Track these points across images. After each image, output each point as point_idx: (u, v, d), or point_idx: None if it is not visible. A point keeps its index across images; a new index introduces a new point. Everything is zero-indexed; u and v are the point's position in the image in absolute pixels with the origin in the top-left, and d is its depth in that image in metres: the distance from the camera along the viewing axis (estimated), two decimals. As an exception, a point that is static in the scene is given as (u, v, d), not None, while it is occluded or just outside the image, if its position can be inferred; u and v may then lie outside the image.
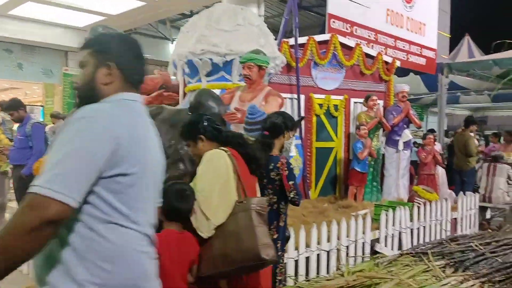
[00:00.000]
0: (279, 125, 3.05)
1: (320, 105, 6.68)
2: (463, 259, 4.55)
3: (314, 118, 6.65)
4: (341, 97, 6.86)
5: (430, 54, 9.81)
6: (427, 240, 5.49)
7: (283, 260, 3.20)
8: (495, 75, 9.44)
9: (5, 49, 10.36)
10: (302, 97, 6.51)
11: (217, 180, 1.99)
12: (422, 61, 9.58)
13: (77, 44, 10.32)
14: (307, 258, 4.03)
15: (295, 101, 6.37)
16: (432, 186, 6.59)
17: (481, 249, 4.94)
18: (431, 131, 8.89)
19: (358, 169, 6.11)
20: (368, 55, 7.08)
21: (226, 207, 1.95)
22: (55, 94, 11.12)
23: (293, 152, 4.88)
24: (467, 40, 14.30)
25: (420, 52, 9.50)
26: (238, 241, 1.88)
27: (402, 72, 10.41)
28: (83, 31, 10.64)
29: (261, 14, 6.48)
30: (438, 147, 8.25)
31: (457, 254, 4.70)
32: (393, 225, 4.97)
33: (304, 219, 5.07)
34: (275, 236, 2.93)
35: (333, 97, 6.78)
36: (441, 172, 6.95)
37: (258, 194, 2.39)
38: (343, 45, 6.83)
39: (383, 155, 6.88)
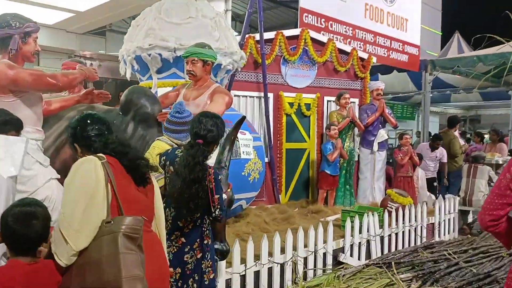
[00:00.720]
0: (216, 134, 2.65)
1: (291, 104, 6.31)
2: (433, 270, 4.19)
3: (284, 118, 6.28)
4: (313, 96, 6.49)
5: (413, 50, 9.45)
6: (400, 248, 5.12)
7: (217, 281, 2.81)
8: (480, 72, 9.07)
9: None
10: (271, 95, 6.15)
11: (82, 194, 1.59)
12: (404, 58, 9.22)
13: (47, 42, 9.94)
14: (257, 273, 3.65)
15: (263, 100, 6.01)
16: (409, 189, 6.23)
17: (454, 258, 4.59)
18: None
19: (328, 172, 5.74)
20: (342, 51, 6.71)
21: (90, 228, 1.57)
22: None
23: (252, 155, 4.50)
24: (457, 37, 13.94)
25: (402, 49, 9.14)
26: (99, 272, 1.50)
27: (386, 69, 10.10)
28: (53, 28, 10.26)
29: (228, 8, 6.09)
30: (423, 147, 7.91)
31: (428, 264, 4.34)
32: (360, 232, 4.60)
33: (265, 227, 4.69)
34: (199, 256, 2.55)
35: (304, 95, 6.41)
36: (420, 174, 6.59)
37: (158, 212, 2.00)
38: (315, 41, 6.45)
39: (359, 156, 6.51)
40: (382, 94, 6.39)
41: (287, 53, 6.15)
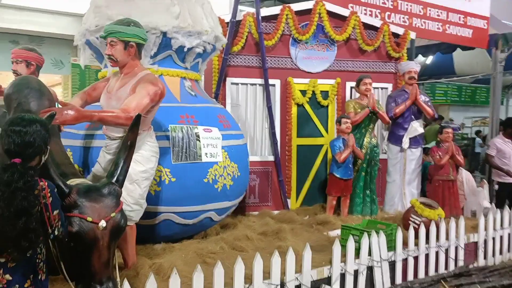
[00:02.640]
0: (37, 145, 1.88)
1: (303, 92, 5.32)
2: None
3: (295, 108, 5.31)
4: (332, 81, 5.43)
5: (480, 23, 7.84)
6: (422, 276, 4.00)
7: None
8: None
9: (12, 41, 10.02)
10: (277, 82, 5.22)
11: None
12: (467, 32, 7.66)
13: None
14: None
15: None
16: (450, 196, 4.99)
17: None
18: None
19: (338, 175, 4.70)
20: (369, 26, 5.54)
21: None
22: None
23: (219, 157, 3.64)
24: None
25: (464, 22, 7.59)
26: None
27: (448, 47, 8.57)
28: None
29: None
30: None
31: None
32: (358, 257, 3.57)
33: (241, 245, 3.82)
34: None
35: (320, 81, 5.38)
36: (465, 176, 5.27)
37: None
38: (333, 15, 5.38)
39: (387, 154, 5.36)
40: (416, 78, 5.14)
41: (296, 32, 5.16)
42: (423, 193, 5.41)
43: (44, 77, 11.47)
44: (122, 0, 3.66)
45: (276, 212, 5.14)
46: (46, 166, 2.01)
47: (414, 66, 5.14)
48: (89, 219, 2.08)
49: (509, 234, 4.80)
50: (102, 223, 2.11)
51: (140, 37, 2.95)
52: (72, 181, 2.25)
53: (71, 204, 2.08)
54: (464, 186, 5.21)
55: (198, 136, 3.57)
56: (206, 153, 3.59)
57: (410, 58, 9.18)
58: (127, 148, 2.35)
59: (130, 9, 3.61)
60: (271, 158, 5.22)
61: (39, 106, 2.54)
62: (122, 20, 2.97)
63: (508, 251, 4.82)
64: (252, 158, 5.17)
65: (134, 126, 2.35)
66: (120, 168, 2.31)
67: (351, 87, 5.50)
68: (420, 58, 10.53)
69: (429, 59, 13.14)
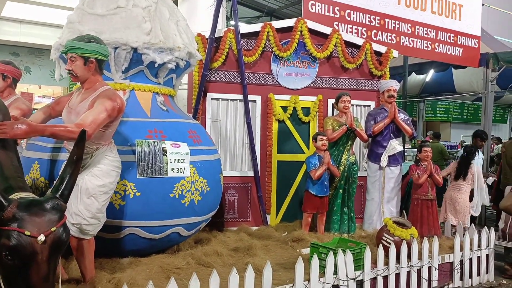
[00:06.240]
0: None
1: (284, 108, 5.34)
2: None
3: (276, 124, 5.34)
4: (313, 98, 5.45)
5: (471, 42, 7.85)
6: (391, 295, 3.96)
7: None
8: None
9: (12, 53, 10.26)
10: (258, 98, 5.26)
11: None
12: (457, 51, 7.67)
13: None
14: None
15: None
16: (429, 215, 4.94)
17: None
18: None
19: (313, 192, 4.68)
20: (351, 44, 5.57)
21: None
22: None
23: (186, 172, 3.66)
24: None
25: (455, 41, 7.60)
26: None
27: (441, 65, 8.60)
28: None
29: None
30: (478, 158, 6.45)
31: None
32: (323, 275, 3.55)
33: (208, 261, 3.82)
34: None
35: (302, 98, 5.41)
36: (476, 171, 5.33)
37: None
38: (315, 33, 5.42)
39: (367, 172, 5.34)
40: (395, 96, 5.14)
41: (277, 49, 5.20)
42: (407, 211, 5.37)
43: (44, 89, 11.66)
44: (94, 17, 3.73)
45: (255, 228, 5.13)
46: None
47: (394, 84, 5.15)
48: (27, 233, 2.09)
49: (486, 255, 4.74)
50: (41, 237, 2.12)
51: (100, 53, 3.00)
52: (16, 195, 2.27)
53: (9, 217, 2.10)
54: (474, 180, 5.22)
55: (165, 151, 3.59)
56: (172, 168, 3.61)
57: (403, 76, 9.24)
58: (74, 162, 2.36)
59: (102, 25, 3.69)
60: (250, 173, 5.23)
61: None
62: (83, 36, 3.03)
63: (486, 272, 4.76)
64: (231, 173, 5.20)
65: (80, 142, 2.37)
66: (65, 183, 2.32)
67: (333, 104, 5.51)
68: (414, 75, 10.55)
69: (429, 76, 13.15)
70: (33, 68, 10.47)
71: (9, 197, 2.20)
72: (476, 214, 5.65)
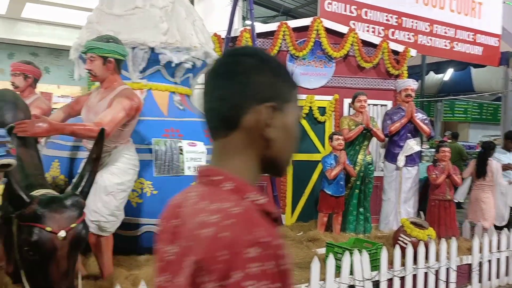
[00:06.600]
0: None
1: (300, 108, 5.32)
2: None
3: (291, 124, 5.31)
4: (329, 98, 5.43)
5: (491, 41, 7.73)
6: (408, 296, 3.92)
7: None
8: None
9: (32, 53, 10.43)
10: (273, 98, 5.24)
11: None
12: (476, 50, 7.57)
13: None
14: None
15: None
16: (446, 216, 4.89)
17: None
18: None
19: (329, 192, 4.66)
20: (368, 43, 5.53)
21: None
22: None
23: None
24: None
25: (474, 39, 7.50)
26: None
27: (459, 64, 8.50)
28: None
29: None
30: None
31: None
32: (338, 276, 3.53)
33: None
34: None
35: (318, 97, 5.39)
36: (495, 167, 5.21)
37: None
38: (332, 32, 5.40)
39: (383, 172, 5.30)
40: (413, 95, 5.09)
41: (293, 48, 5.19)
42: (425, 211, 5.31)
43: (63, 89, 11.83)
44: (112, 17, 3.78)
45: None
46: (9, 177, 2.09)
47: (411, 83, 5.10)
48: (48, 229, 2.13)
49: (506, 257, 4.66)
50: (62, 233, 2.16)
51: (118, 53, 3.04)
52: (37, 192, 2.32)
53: (31, 214, 2.15)
54: (494, 176, 5.16)
55: (181, 150, 3.63)
56: (189, 167, 3.64)
57: (421, 75, 9.15)
58: (93, 161, 2.40)
59: (120, 25, 3.73)
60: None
61: (13, 118, 2.64)
62: (102, 36, 3.07)
63: (506, 274, 4.68)
64: (247, 172, 5.20)
65: (99, 140, 2.41)
66: (85, 180, 2.36)
67: (349, 104, 5.48)
68: (432, 75, 10.43)
69: (447, 76, 12.98)
70: (52, 68, 10.65)
71: (30, 194, 2.25)
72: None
